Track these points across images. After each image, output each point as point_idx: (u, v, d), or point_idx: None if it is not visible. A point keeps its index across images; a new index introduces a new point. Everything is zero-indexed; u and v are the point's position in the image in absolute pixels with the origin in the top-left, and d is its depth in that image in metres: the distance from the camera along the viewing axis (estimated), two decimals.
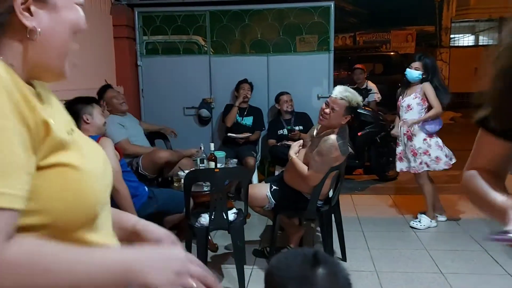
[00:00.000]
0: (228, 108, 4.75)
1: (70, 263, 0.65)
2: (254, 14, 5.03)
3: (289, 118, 4.68)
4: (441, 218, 4.00)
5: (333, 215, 3.26)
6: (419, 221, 3.89)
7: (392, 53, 11.03)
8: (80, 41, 0.84)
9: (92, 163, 0.77)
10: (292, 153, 3.05)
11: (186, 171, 3.21)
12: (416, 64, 3.79)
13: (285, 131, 4.63)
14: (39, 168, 0.67)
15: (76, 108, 2.74)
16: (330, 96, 2.97)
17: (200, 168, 3.47)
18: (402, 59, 10.62)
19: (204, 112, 5.04)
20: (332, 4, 4.85)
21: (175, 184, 3.40)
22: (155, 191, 3.10)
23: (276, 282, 0.96)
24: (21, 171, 0.62)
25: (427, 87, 3.74)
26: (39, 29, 0.70)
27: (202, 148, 3.76)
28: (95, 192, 0.75)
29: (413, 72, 3.78)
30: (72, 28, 0.76)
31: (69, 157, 0.71)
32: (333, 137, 2.84)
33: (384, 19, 13.23)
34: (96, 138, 2.59)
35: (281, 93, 4.72)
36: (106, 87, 3.95)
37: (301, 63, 4.97)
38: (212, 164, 3.40)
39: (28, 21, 0.68)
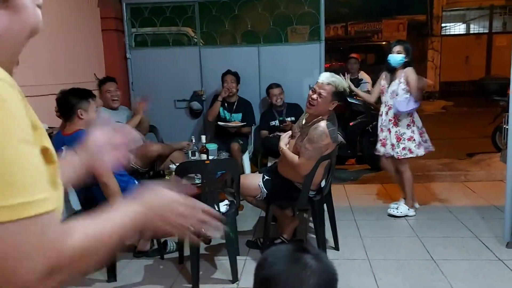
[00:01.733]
0: (214, 99, 4.64)
1: (110, 232, 0.73)
2: (244, 4, 4.99)
3: (281, 109, 4.66)
4: (416, 205, 4.01)
5: (325, 204, 3.26)
6: (397, 209, 3.91)
7: (383, 43, 11.01)
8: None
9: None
10: (282, 144, 3.04)
11: (178, 164, 3.19)
12: (398, 47, 3.80)
13: (277, 122, 4.60)
14: None
15: (72, 101, 2.70)
16: (317, 82, 2.96)
17: (191, 160, 3.45)
18: None
19: (196, 105, 5.01)
20: None
21: (167, 177, 3.38)
22: (145, 184, 3.06)
23: (265, 274, 0.96)
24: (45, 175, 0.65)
25: (410, 72, 3.74)
26: None
27: (194, 141, 3.75)
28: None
29: (396, 56, 3.78)
30: (30, 30, 0.74)
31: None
32: (323, 124, 2.84)
33: (375, 8, 13.22)
34: (85, 132, 2.56)
35: (271, 86, 4.64)
36: (107, 79, 3.91)
37: (292, 53, 4.95)
38: (204, 157, 3.39)
39: None
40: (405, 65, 3.77)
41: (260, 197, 3.15)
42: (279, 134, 4.29)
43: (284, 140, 3.07)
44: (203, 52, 5.04)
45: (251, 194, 3.19)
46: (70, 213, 2.84)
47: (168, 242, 3.32)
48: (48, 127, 3.14)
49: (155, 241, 3.27)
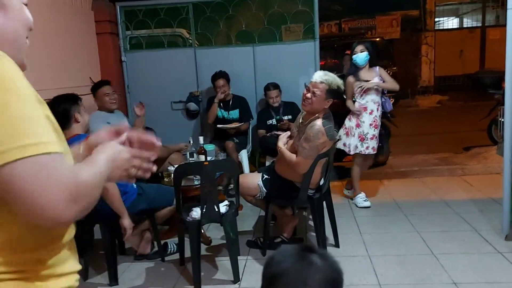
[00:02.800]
0: (210, 102, 4.67)
1: (100, 172, 0.84)
2: (238, 4, 4.99)
3: (277, 108, 4.66)
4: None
5: (324, 202, 3.28)
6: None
7: (377, 39, 11.04)
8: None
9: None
10: (280, 144, 3.05)
11: (175, 166, 3.19)
12: (360, 47, 4.02)
13: (274, 121, 4.61)
14: None
15: (65, 107, 2.70)
16: (310, 81, 2.98)
17: (190, 162, 3.45)
18: (387, 45, 10.64)
19: (192, 106, 5.01)
20: None
21: (166, 180, 3.38)
22: (144, 187, 3.07)
23: (272, 272, 0.99)
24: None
25: (382, 69, 4.10)
26: None
27: (191, 142, 3.75)
28: None
29: (361, 55, 3.99)
30: (24, 22, 0.86)
31: None
32: (319, 122, 2.86)
33: (369, 5, 13.21)
34: (85, 137, 2.56)
35: (268, 87, 4.63)
36: (103, 83, 3.90)
37: (287, 52, 4.95)
38: (202, 158, 3.39)
39: None
40: (370, 63, 4.03)
41: (259, 196, 3.16)
42: (276, 133, 4.30)
43: (283, 139, 3.08)
44: (198, 53, 5.04)
45: (251, 194, 3.20)
46: None
47: (169, 244, 3.33)
48: None
49: (155, 244, 3.27)
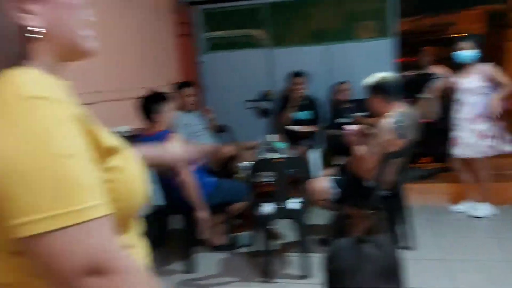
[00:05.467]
0: (282, 102, 4.72)
1: None
2: (313, 4, 5.02)
3: (349, 106, 4.62)
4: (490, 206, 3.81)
5: (399, 203, 3.20)
6: (475, 209, 3.76)
7: (459, 35, 10.44)
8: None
9: (134, 164, 0.80)
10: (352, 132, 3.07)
11: (249, 163, 3.30)
12: (467, 43, 3.64)
13: (346, 120, 4.57)
14: None
15: (150, 104, 2.92)
16: None
17: (262, 159, 3.55)
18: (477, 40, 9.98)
19: (265, 105, 5.11)
20: None
21: (239, 175, 3.51)
22: (219, 181, 3.22)
23: (330, 266, 1.06)
24: (98, 182, 0.67)
25: (489, 67, 3.60)
26: (42, 26, 0.69)
27: (263, 140, 3.85)
28: (138, 194, 0.79)
29: (467, 52, 3.62)
30: (75, 7, 0.75)
31: (115, 159, 0.75)
32: (388, 119, 2.83)
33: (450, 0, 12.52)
34: (166, 133, 2.75)
35: (337, 83, 4.66)
36: (186, 84, 4.12)
37: (363, 50, 4.89)
38: (274, 155, 3.47)
39: (31, 23, 0.68)
40: (478, 60, 3.61)
41: (331, 199, 3.17)
42: (347, 128, 4.28)
43: (354, 127, 3.09)
44: (273, 53, 5.13)
45: (321, 197, 3.21)
46: (154, 208, 3.06)
47: (241, 237, 3.45)
48: (130, 129, 3.39)
49: (228, 236, 3.41)
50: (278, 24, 5.11)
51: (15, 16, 0.66)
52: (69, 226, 0.60)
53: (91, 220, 0.62)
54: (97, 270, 0.62)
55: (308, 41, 5.20)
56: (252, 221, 3.23)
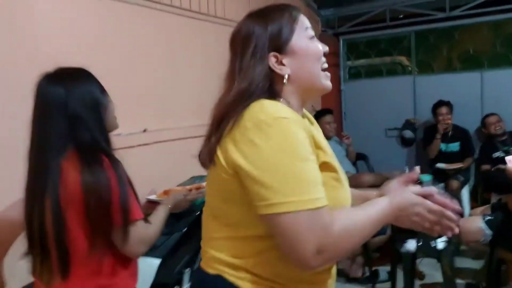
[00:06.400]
0: (428, 132, 4.48)
1: (364, 223, 0.90)
2: (465, 29, 4.72)
3: (503, 138, 4.18)
4: None
5: None
6: None
7: None
8: None
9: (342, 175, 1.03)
10: None
11: None
12: None
13: (501, 154, 4.14)
14: None
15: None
16: None
17: None
18: None
19: (408, 133, 4.92)
20: None
21: None
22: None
23: None
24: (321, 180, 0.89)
25: None
26: (289, 73, 0.97)
27: (407, 171, 3.69)
28: (347, 201, 1.02)
29: None
30: (314, 57, 1.00)
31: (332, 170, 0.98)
32: None
33: None
34: None
35: (486, 116, 4.27)
36: (326, 111, 4.23)
37: None
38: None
39: (282, 71, 0.96)
40: None
41: (484, 240, 2.89)
42: (503, 166, 3.86)
43: None
44: (418, 80, 4.95)
45: (473, 239, 2.95)
46: None
47: (380, 271, 3.34)
48: None
49: (366, 269, 3.34)
50: (423, 51, 4.92)
51: (272, 65, 0.96)
52: (303, 211, 0.82)
53: (317, 208, 0.83)
54: (321, 250, 0.83)
55: (458, 68, 4.89)
56: (392, 256, 3.11)
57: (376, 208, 0.93)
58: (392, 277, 3.14)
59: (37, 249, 1.24)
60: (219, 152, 0.91)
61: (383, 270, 3.35)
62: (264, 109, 0.87)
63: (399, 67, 5.31)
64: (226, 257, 0.94)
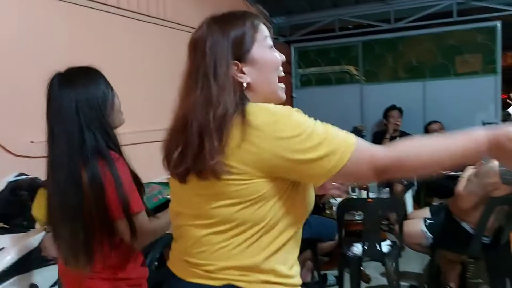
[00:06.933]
0: (377, 137, 4.67)
1: (440, 147, 0.92)
2: (408, 40, 4.93)
3: None
4: None
5: (502, 254, 2.94)
6: None
7: None
8: None
9: None
10: (464, 175, 2.90)
11: (338, 199, 3.27)
12: None
13: None
14: None
15: None
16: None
17: (352, 196, 3.49)
18: None
19: None
20: (498, 23, 4.47)
21: (327, 212, 3.48)
22: (308, 218, 3.21)
23: None
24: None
25: None
26: (249, 82, 0.99)
27: None
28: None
29: None
30: (273, 66, 1.03)
31: None
32: (496, 162, 2.63)
33: None
34: None
35: (429, 123, 4.52)
36: None
37: (462, 87, 4.67)
38: (364, 193, 3.40)
39: (242, 79, 0.98)
40: None
41: (425, 243, 3.00)
42: (445, 173, 4.06)
43: (469, 171, 2.92)
44: (365, 89, 5.10)
45: (415, 242, 3.06)
46: None
47: (328, 275, 3.39)
48: None
49: (316, 274, 3.37)
50: (370, 60, 5.09)
51: (235, 75, 0.97)
52: (351, 153, 0.92)
53: (356, 146, 0.94)
54: (382, 171, 0.92)
55: (402, 77, 5.10)
56: (340, 260, 3.16)
57: (465, 139, 0.90)
58: (339, 280, 3.19)
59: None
60: (232, 162, 0.90)
61: (331, 274, 3.41)
62: (265, 108, 0.92)
63: (347, 75, 5.47)
64: (237, 263, 0.96)
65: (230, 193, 0.93)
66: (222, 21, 1.00)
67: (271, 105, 0.93)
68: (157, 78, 3.32)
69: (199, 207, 0.97)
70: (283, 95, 1.06)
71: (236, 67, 0.97)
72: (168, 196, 2.06)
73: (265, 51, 1.02)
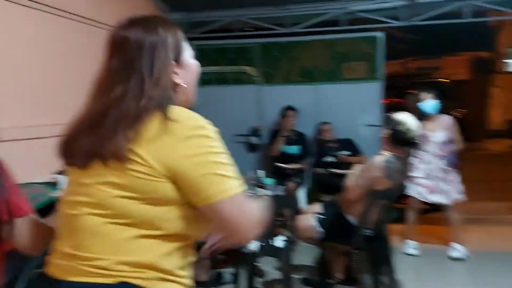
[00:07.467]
0: (273, 135, 4.83)
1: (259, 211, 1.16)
2: (303, 45, 5.18)
3: (333, 145, 4.73)
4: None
5: (382, 244, 3.22)
6: (456, 251, 3.82)
7: (445, 80, 10.79)
8: None
9: None
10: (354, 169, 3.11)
11: None
12: (429, 94, 3.82)
13: (331, 159, 4.66)
14: None
15: None
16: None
17: (249, 194, 3.55)
18: (455, 86, 10.35)
19: (254, 140, 5.17)
20: (380, 34, 4.90)
21: None
22: None
23: None
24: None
25: (452, 120, 3.84)
26: (180, 82, 1.06)
27: (251, 175, 3.86)
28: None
29: (433, 102, 3.79)
30: (195, 73, 1.15)
31: None
32: (381, 157, 2.88)
33: (437, 44, 13.01)
34: None
35: (321, 124, 4.85)
36: None
37: (350, 91, 5.03)
38: (261, 191, 3.48)
39: (176, 80, 1.05)
40: (440, 111, 3.81)
41: (316, 237, 3.17)
42: (333, 170, 4.37)
43: (356, 168, 3.13)
44: (262, 90, 5.24)
45: (307, 236, 3.22)
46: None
47: (224, 273, 3.41)
48: None
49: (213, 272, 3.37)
50: (268, 62, 5.25)
51: (171, 75, 1.04)
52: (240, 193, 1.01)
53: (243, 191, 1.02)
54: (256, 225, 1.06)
55: (297, 80, 5.34)
56: (237, 257, 3.20)
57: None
58: (235, 277, 3.23)
59: None
60: (141, 152, 0.93)
61: (228, 272, 3.44)
62: (191, 115, 0.99)
63: (245, 76, 5.57)
64: (133, 259, 0.95)
65: (133, 186, 0.94)
66: (153, 24, 1.05)
67: (197, 114, 1.00)
68: (47, 71, 3.04)
69: (101, 195, 0.96)
70: (193, 99, 1.16)
71: (172, 68, 1.04)
72: (53, 195, 1.90)
73: (190, 58, 1.11)
